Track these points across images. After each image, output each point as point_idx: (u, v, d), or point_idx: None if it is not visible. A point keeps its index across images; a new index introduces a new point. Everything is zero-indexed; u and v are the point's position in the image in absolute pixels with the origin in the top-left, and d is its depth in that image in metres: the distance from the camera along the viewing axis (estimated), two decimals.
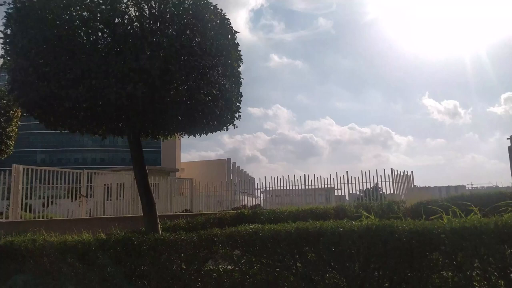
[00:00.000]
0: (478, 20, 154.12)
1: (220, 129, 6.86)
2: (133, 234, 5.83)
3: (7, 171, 11.52)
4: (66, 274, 5.96)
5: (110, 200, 14.94)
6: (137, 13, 5.62)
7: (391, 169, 16.09)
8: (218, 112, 6.26)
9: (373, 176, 16.11)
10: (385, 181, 15.90)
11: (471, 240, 3.67)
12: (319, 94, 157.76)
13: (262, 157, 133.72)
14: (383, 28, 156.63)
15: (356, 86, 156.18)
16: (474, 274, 3.74)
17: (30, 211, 12.34)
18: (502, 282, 3.62)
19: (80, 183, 13.56)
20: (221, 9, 6.23)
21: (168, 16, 5.70)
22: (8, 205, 11.62)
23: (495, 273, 3.66)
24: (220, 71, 6.28)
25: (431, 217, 4.33)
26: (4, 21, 5.74)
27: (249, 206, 18.04)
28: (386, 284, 4.15)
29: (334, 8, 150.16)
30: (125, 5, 5.59)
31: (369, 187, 16.47)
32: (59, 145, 77.66)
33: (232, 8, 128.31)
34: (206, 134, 6.90)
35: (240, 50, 6.71)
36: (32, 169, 11.81)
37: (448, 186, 62.14)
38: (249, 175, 47.82)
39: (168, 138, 7.43)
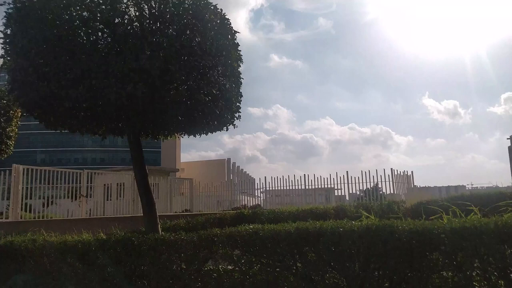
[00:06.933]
0: (478, 20, 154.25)
1: (220, 129, 6.85)
2: (133, 234, 5.83)
3: (7, 171, 11.52)
4: (66, 274, 5.96)
5: (110, 200, 14.94)
6: (137, 13, 5.61)
7: (391, 169, 16.12)
8: (218, 112, 6.26)
9: (373, 176, 16.14)
10: (385, 181, 15.91)
11: (471, 240, 3.67)
12: (319, 94, 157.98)
13: (262, 157, 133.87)
14: (383, 28, 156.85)
15: (356, 86, 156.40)
16: (474, 274, 3.74)
17: (30, 211, 12.34)
18: (502, 282, 3.62)
19: (80, 183, 13.56)
20: (221, 9, 6.24)
21: (168, 16, 5.70)
22: (8, 205, 11.62)
23: (495, 273, 3.66)
24: (220, 71, 6.28)
25: (431, 217, 4.33)
26: (4, 21, 5.74)
27: (249, 206, 18.03)
28: (386, 284, 4.15)
29: (334, 8, 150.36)
30: (125, 5, 5.59)
31: (369, 187, 16.47)
32: (59, 145, 77.64)
33: (232, 8, 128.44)
34: (206, 134, 6.90)
35: (240, 50, 6.71)
36: (32, 169, 11.81)
37: (448, 186, 62.18)
38: (249, 175, 47.85)
39: (168, 138, 7.43)
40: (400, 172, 16.59)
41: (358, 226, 4.35)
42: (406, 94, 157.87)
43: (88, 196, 14.03)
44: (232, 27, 6.45)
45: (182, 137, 7.52)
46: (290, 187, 17.83)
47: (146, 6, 5.63)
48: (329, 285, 4.44)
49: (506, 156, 43.09)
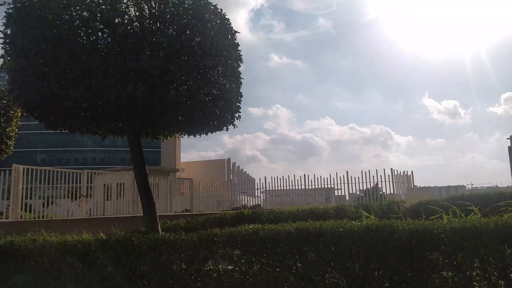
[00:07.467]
0: (478, 20, 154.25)
1: (220, 129, 6.86)
2: (133, 234, 5.83)
3: (7, 171, 11.52)
4: (66, 274, 5.96)
5: (110, 200, 14.94)
6: (137, 13, 5.62)
7: (391, 169, 16.12)
8: (218, 112, 6.26)
9: (373, 176, 16.14)
10: (385, 181, 15.91)
11: (471, 240, 3.67)
12: (319, 94, 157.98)
13: (262, 157, 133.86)
14: (383, 28, 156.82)
15: (356, 86, 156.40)
16: (474, 274, 3.74)
17: (30, 211, 12.34)
18: (502, 282, 3.62)
19: (80, 183, 13.56)
20: (221, 9, 6.24)
21: (168, 16, 5.70)
22: (8, 205, 11.62)
23: (495, 273, 3.66)
24: (220, 71, 6.28)
25: (431, 217, 4.33)
26: (4, 21, 5.74)
27: (249, 206, 18.03)
28: (386, 284, 4.15)
29: (334, 8, 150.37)
30: (125, 5, 5.59)
31: (369, 187, 16.47)
32: (59, 145, 77.64)
33: (232, 8, 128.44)
34: (206, 134, 6.90)
35: (240, 50, 6.71)
36: (32, 169, 11.81)
37: (448, 186, 62.17)
38: (249, 175, 47.84)
39: (168, 138, 7.43)
40: (400, 172, 16.62)
41: (358, 226, 4.35)
42: (406, 94, 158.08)
43: (88, 196, 14.03)
44: (232, 27, 6.45)
45: (182, 137, 7.52)
46: (290, 187, 17.84)
47: (146, 6, 5.63)
48: (329, 285, 4.44)
49: (506, 156, 43.12)
